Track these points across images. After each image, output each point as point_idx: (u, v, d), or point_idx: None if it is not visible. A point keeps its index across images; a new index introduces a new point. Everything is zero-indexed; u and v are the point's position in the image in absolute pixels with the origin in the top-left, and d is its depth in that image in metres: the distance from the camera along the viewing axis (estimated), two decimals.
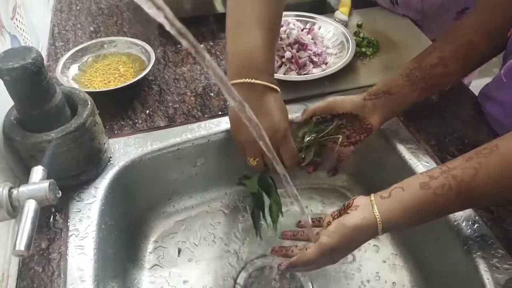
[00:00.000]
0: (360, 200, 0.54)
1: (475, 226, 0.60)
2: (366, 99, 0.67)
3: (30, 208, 0.39)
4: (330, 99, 0.70)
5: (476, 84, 1.05)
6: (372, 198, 0.54)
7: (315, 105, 0.70)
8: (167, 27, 0.30)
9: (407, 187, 0.52)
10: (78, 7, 1.06)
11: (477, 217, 0.61)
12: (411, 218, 0.52)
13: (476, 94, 0.82)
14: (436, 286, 0.68)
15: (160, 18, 0.29)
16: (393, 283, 0.71)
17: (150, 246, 0.76)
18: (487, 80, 0.80)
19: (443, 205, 0.51)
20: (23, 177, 0.61)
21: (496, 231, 0.60)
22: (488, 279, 0.55)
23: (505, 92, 0.71)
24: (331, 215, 0.58)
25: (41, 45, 0.89)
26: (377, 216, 0.52)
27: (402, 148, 0.72)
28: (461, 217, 0.61)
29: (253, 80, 0.61)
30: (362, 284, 0.71)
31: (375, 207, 0.52)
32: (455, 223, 0.61)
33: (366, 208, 0.53)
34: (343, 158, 0.70)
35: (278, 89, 0.64)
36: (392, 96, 0.67)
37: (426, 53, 0.69)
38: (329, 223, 0.57)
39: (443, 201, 0.50)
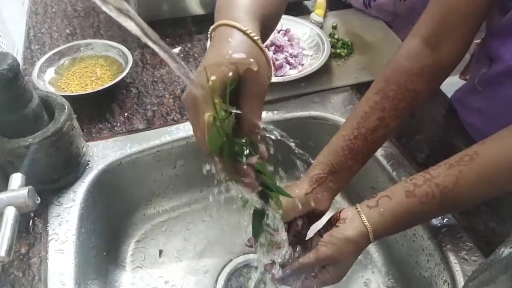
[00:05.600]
0: (347, 212, 0.55)
1: (444, 220, 0.63)
2: (307, 193, 0.58)
3: (9, 215, 0.40)
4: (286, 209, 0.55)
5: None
6: (359, 208, 0.54)
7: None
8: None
9: (393, 196, 0.53)
10: (53, 9, 1.05)
11: None
12: (400, 225, 0.54)
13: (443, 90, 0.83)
14: (407, 277, 0.71)
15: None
16: (366, 278, 0.74)
17: (131, 248, 0.77)
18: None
19: (428, 211, 0.53)
20: (1, 183, 0.61)
21: (464, 225, 0.63)
22: (457, 270, 0.58)
23: (480, 100, 0.71)
24: (319, 234, 0.56)
25: (17, 49, 0.88)
26: (367, 226, 0.52)
27: None
28: None
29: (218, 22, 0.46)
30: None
31: (363, 216, 0.53)
32: None
33: (354, 219, 0.54)
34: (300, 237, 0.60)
35: (242, 28, 0.45)
36: (337, 174, 0.59)
37: (363, 112, 0.60)
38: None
39: (428, 208, 0.52)
